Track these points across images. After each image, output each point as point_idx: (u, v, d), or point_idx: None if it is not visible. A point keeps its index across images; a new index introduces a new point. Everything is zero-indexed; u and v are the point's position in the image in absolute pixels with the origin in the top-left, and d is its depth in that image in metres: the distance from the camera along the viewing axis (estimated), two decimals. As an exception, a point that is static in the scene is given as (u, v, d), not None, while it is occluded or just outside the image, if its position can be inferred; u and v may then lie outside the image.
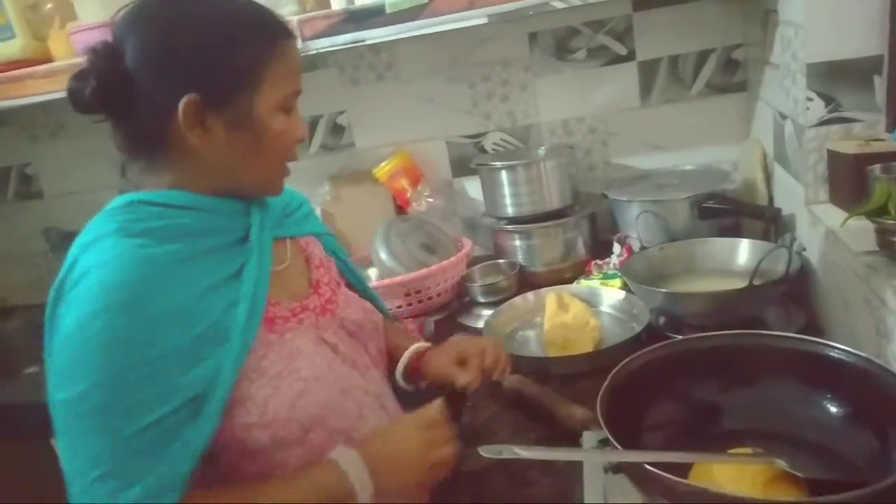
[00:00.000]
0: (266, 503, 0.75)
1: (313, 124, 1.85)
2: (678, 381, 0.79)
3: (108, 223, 0.77)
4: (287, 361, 0.81)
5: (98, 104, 0.78)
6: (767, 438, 0.72)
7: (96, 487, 0.69)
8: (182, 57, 0.77)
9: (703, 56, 1.66)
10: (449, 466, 0.86)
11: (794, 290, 1.26)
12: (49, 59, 1.62)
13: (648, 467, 0.61)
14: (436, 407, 0.86)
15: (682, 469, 0.70)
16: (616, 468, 0.66)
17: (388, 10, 1.39)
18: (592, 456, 0.72)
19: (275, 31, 0.81)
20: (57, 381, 0.72)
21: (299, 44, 1.44)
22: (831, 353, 0.74)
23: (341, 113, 1.84)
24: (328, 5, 1.48)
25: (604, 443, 0.70)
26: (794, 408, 0.75)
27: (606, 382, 0.75)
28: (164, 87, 0.77)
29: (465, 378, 0.98)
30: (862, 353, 0.72)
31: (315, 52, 1.45)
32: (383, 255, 1.51)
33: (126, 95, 0.77)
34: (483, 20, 1.36)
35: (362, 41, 1.43)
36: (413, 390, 1.07)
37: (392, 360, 1.06)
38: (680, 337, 0.83)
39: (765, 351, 0.78)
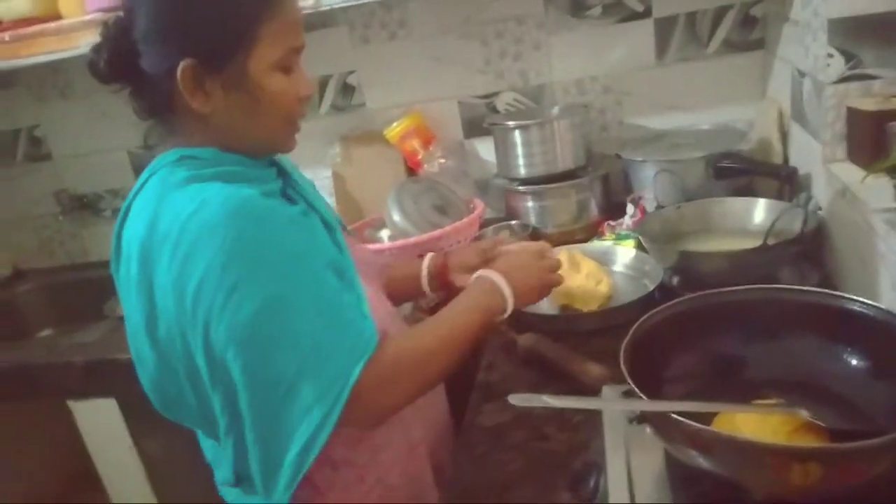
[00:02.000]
0: (451, 326, 0.89)
1: (323, 84, 1.83)
2: (699, 335, 0.79)
3: (174, 174, 0.80)
4: None
5: (113, 75, 0.82)
6: (789, 390, 0.73)
7: (305, 367, 0.75)
8: (178, 23, 0.79)
9: (720, 12, 1.63)
10: (555, 284, 1.08)
11: (809, 249, 1.25)
12: (59, 17, 1.60)
13: (674, 416, 0.62)
14: (542, 243, 1.09)
15: (705, 420, 0.71)
16: (640, 418, 0.67)
17: (402, -35, 1.36)
18: (619, 405, 0.74)
19: None
20: (228, 307, 0.73)
21: (310, 1, 1.43)
22: (852, 307, 0.74)
23: (352, 72, 1.82)
24: (339, -39, 1.46)
25: (627, 394, 0.70)
26: (814, 361, 0.76)
27: (629, 335, 0.75)
28: (165, 55, 0.79)
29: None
30: (883, 306, 0.72)
31: (328, 7, 1.43)
32: (396, 217, 1.51)
33: (136, 66, 0.80)
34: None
35: (376, -4, 1.41)
36: (441, 298, 1.19)
37: (397, 280, 1.17)
38: (697, 293, 0.84)
39: (785, 305, 0.78)
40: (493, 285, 0.96)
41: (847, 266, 1.16)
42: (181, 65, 0.77)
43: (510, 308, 0.97)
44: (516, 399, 0.66)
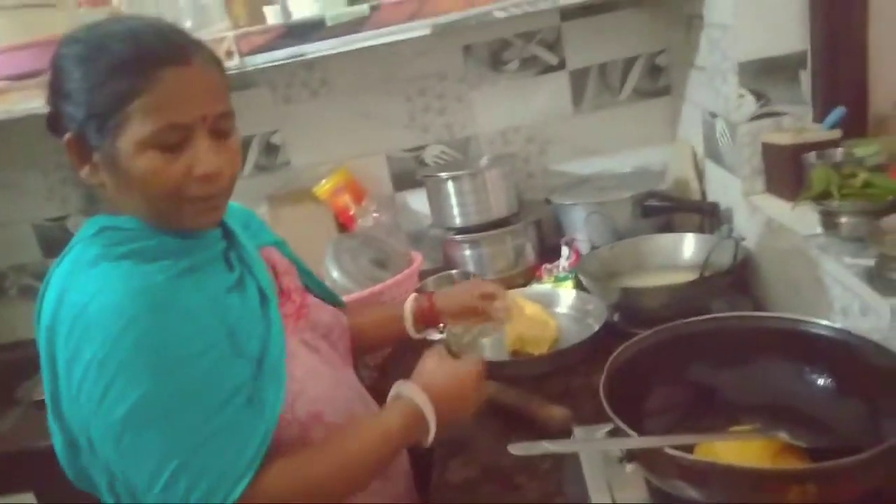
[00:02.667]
0: (355, 448, 0.80)
1: (246, 144, 1.78)
2: (670, 366, 0.81)
3: (88, 250, 0.77)
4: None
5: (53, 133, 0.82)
6: (762, 414, 0.75)
7: (170, 488, 0.69)
8: (64, 94, 0.77)
9: (629, 63, 1.73)
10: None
11: (739, 279, 1.32)
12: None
13: (668, 450, 0.62)
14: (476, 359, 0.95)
15: (686, 451, 0.71)
16: (630, 457, 0.67)
17: (328, 23, 1.37)
18: (614, 444, 0.72)
19: (147, 62, 0.74)
20: (103, 406, 0.70)
21: (233, 61, 1.41)
22: (813, 329, 0.78)
23: (275, 132, 1.79)
24: (262, 21, 1.45)
25: (612, 433, 0.70)
26: (783, 383, 0.78)
27: (605, 374, 0.75)
28: (60, 125, 0.79)
29: (501, 302, 1.10)
30: (840, 327, 0.76)
31: (253, 67, 1.40)
32: (335, 274, 1.47)
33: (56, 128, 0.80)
34: (426, 31, 1.36)
35: (302, 55, 1.40)
36: (423, 339, 1.16)
37: (370, 329, 1.13)
38: (640, 332, 0.85)
39: (751, 331, 0.81)
40: (417, 413, 0.84)
41: (776, 293, 1.22)
42: (66, 137, 0.78)
43: (430, 439, 0.86)
44: (517, 449, 0.64)
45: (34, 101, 1.37)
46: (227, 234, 0.90)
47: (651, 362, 0.80)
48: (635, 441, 0.65)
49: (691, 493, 0.65)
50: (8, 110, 1.38)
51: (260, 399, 0.77)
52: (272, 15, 1.42)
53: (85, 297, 0.72)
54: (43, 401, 1.53)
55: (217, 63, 0.81)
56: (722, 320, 0.83)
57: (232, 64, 1.38)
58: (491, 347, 1.34)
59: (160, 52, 0.74)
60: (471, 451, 1.06)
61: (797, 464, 0.67)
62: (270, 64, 1.39)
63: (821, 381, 0.77)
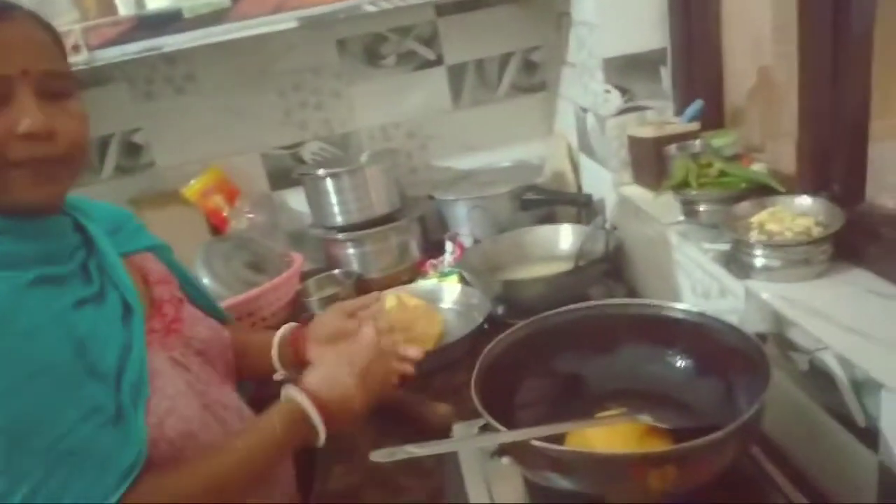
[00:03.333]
0: (237, 456, 0.76)
1: (104, 145, 1.65)
2: (540, 358, 0.81)
3: None
4: (150, 382, 0.77)
5: None
6: (629, 398, 0.77)
7: None
8: None
9: (505, 59, 1.75)
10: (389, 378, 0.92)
11: (612, 267, 1.37)
12: None
13: (535, 443, 0.62)
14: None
15: (559, 440, 0.71)
16: (501, 451, 0.66)
17: (186, 15, 1.28)
18: (481, 441, 0.71)
19: None
20: None
21: (81, 55, 1.29)
22: (670, 314, 0.81)
23: (136, 130, 1.66)
24: (115, 12, 1.34)
25: (483, 429, 0.69)
26: (646, 367, 0.81)
27: (476, 371, 0.75)
28: None
29: (370, 310, 1.02)
30: (696, 310, 0.79)
31: (104, 62, 1.30)
32: (206, 280, 1.39)
33: None
34: (292, 24, 1.31)
35: (158, 49, 1.31)
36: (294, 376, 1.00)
37: (250, 355, 1.03)
38: (522, 321, 0.86)
39: (613, 319, 0.83)
40: (302, 416, 0.81)
41: (647, 277, 1.27)
42: None
43: (321, 439, 0.82)
44: (379, 455, 0.62)
45: None
46: (87, 242, 0.83)
47: (521, 355, 0.80)
48: (503, 436, 0.65)
49: (562, 482, 0.65)
50: None
51: (125, 421, 0.71)
52: (124, 6, 1.31)
53: None
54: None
55: (46, 26, 0.75)
56: (587, 309, 0.84)
57: (80, 59, 1.27)
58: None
59: None
60: (354, 455, 1.03)
61: (662, 445, 0.69)
62: (123, 59, 1.29)
63: (681, 363, 0.80)
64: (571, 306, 0.84)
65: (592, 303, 0.85)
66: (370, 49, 1.69)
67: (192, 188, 1.63)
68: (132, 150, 1.68)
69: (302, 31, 1.40)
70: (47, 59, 0.73)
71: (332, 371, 0.85)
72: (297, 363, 1.01)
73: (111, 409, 0.70)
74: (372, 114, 1.74)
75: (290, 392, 0.82)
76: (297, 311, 1.46)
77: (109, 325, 0.77)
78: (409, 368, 0.97)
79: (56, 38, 0.77)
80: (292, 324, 1.05)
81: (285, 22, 1.30)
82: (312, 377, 0.84)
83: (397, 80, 1.72)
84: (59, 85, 0.74)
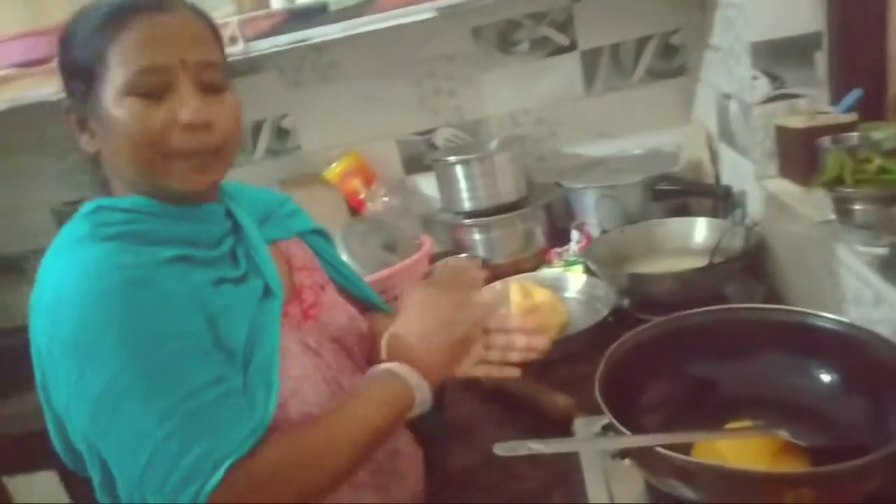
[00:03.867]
0: (347, 422, 0.76)
1: (257, 129, 1.78)
2: (670, 359, 0.79)
3: (77, 228, 0.75)
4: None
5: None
6: (764, 409, 0.74)
7: (148, 473, 0.66)
8: (61, 61, 0.79)
9: (641, 43, 1.69)
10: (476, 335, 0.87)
11: (752, 265, 1.30)
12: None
13: (660, 450, 0.61)
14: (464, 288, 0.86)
15: (685, 448, 0.70)
16: (623, 454, 0.66)
17: (331, 8, 1.35)
18: (604, 443, 0.71)
19: (121, 11, 0.74)
20: (79, 386, 0.68)
21: (238, 46, 1.40)
22: (817, 322, 0.76)
23: (285, 116, 1.78)
24: (267, 5, 1.43)
25: (605, 429, 0.69)
26: (786, 377, 0.77)
27: (601, 368, 0.74)
28: (64, 95, 0.80)
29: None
30: (846, 320, 0.74)
31: (258, 53, 1.40)
32: (345, 258, 1.46)
33: None
34: (430, 14, 1.34)
35: (306, 40, 1.39)
36: None
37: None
38: (650, 318, 0.84)
39: (753, 324, 0.79)
40: (394, 379, 0.80)
41: (790, 279, 1.20)
42: (63, 104, 0.78)
43: (422, 399, 0.80)
44: (502, 449, 0.64)
45: (42, 88, 1.37)
46: (236, 229, 0.86)
47: (651, 354, 0.78)
48: (627, 440, 0.64)
49: (686, 492, 0.64)
50: (16, 98, 1.39)
51: (251, 398, 0.73)
52: (277, 0, 1.40)
53: (62, 277, 0.71)
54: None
55: (203, 16, 0.79)
56: (725, 312, 0.81)
57: (236, 49, 1.37)
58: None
59: (135, 2, 0.74)
60: (473, 438, 1.06)
61: (797, 464, 0.66)
62: (274, 49, 1.38)
63: (825, 377, 0.75)
64: (708, 308, 0.82)
65: (731, 305, 0.82)
66: (504, 36, 1.70)
67: (333, 171, 1.73)
68: (281, 134, 1.80)
69: (439, 21, 1.42)
70: (205, 51, 0.77)
71: (424, 323, 0.83)
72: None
73: (237, 382, 0.73)
74: (502, 101, 1.74)
75: (383, 366, 0.82)
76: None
77: (244, 306, 0.78)
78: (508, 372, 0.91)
79: (215, 31, 0.81)
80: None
81: (424, 12, 1.34)
82: (404, 339, 0.83)
83: (529, 67, 1.72)
84: (216, 76, 0.77)
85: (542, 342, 0.92)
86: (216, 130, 0.76)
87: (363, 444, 0.76)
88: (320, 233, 1.04)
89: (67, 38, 0.77)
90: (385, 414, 0.78)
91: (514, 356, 0.91)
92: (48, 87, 1.39)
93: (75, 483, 1.44)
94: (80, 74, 0.75)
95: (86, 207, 0.78)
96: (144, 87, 0.73)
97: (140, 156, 0.75)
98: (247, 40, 1.37)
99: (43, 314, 0.72)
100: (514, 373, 0.91)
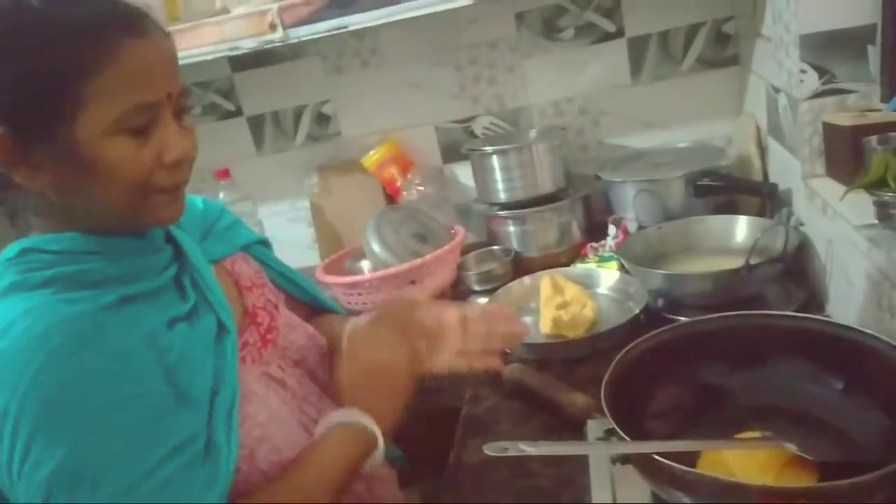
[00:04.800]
0: (308, 481, 0.71)
1: (298, 115, 1.81)
2: (682, 364, 0.77)
3: (2, 278, 0.67)
4: (241, 408, 0.73)
5: None
6: (776, 419, 0.71)
7: None
8: None
9: (692, 30, 1.63)
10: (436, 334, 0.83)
11: (793, 267, 1.24)
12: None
13: (657, 458, 0.60)
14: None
15: (692, 455, 0.68)
16: (624, 459, 0.65)
17: (371, -6, 1.35)
18: (599, 449, 0.71)
19: (102, 32, 0.63)
20: (25, 466, 0.60)
21: (277, 33, 1.42)
22: (836, 332, 0.72)
23: (326, 102, 1.80)
24: (306, -9, 1.45)
25: (609, 433, 0.68)
26: (801, 387, 0.74)
27: (610, 370, 0.73)
28: None
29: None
30: (868, 331, 0.71)
31: (296, 39, 1.41)
32: (376, 247, 1.49)
33: None
34: (470, 0, 1.33)
35: (345, 27, 1.39)
36: None
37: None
38: (682, 319, 0.82)
39: (769, 331, 0.77)
40: (350, 427, 0.74)
41: (832, 284, 1.14)
42: None
43: (380, 440, 0.75)
44: (491, 449, 0.63)
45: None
46: (179, 254, 0.79)
47: (663, 360, 0.76)
48: (624, 446, 0.63)
49: (684, 501, 0.62)
50: None
51: (215, 455, 0.67)
52: (316, -14, 1.41)
53: None
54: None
55: (167, 34, 0.70)
56: (740, 318, 0.78)
57: (276, 36, 1.39)
58: (532, 327, 1.32)
59: (115, 19, 0.64)
60: (491, 434, 1.07)
61: (805, 478, 0.63)
62: (313, 36, 1.39)
63: (841, 387, 0.72)
64: (723, 314, 0.79)
65: (746, 312, 0.79)
66: (548, 22, 1.66)
67: (371, 159, 1.74)
68: (322, 120, 1.82)
69: (481, 6, 1.40)
70: (178, 77, 0.70)
71: (368, 353, 0.80)
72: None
73: (200, 443, 0.67)
74: (545, 89, 1.71)
75: (328, 418, 0.76)
76: (456, 283, 1.51)
77: (203, 348, 0.73)
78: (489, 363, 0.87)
79: (174, 47, 0.72)
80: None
81: (462, -1, 1.32)
82: (350, 374, 0.79)
83: (573, 54, 1.68)
84: (187, 102, 0.72)
85: (523, 329, 0.89)
86: (189, 161, 0.73)
87: (329, 498, 0.71)
88: (263, 242, 0.98)
89: (11, 65, 0.63)
90: (349, 462, 0.73)
91: (497, 344, 0.87)
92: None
93: None
94: (36, 108, 0.63)
95: (7, 252, 0.69)
96: (134, 125, 0.66)
97: (120, 197, 0.68)
98: (286, 27, 1.39)
99: None
100: (497, 363, 0.88)
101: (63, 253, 0.68)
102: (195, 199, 0.88)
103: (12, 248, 0.69)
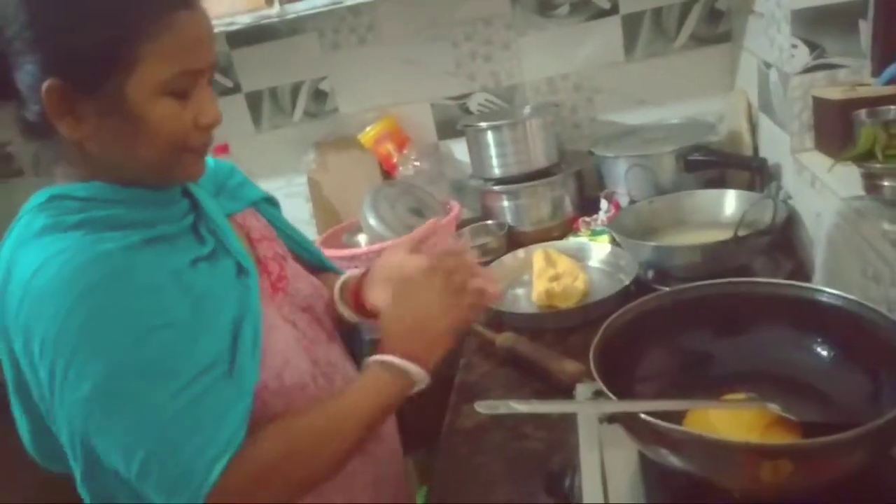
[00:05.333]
0: (342, 412, 0.77)
1: (295, 91, 1.82)
2: (670, 331, 0.79)
3: (34, 221, 0.71)
4: (263, 336, 0.78)
5: None
6: (761, 384, 0.73)
7: (143, 474, 0.66)
8: (44, 35, 0.69)
9: (686, 7, 1.64)
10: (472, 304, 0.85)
11: (781, 239, 1.27)
12: None
13: (643, 416, 0.62)
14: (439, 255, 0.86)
15: (678, 416, 0.71)
16: (611, 418, 0.67)
17: (366, -30, 1.36)
18: (586, 407, 0.73)
19: (153, 5, 0.69)
20: (65, 386, 0.66)
21: (274, 9, 1.42)
22: (820, 298, 0.74)
23: (323, 78, 1.81)
24: (304, -33, 1.45)
25: (598, 394, 0.70)
26: (785, 353, 0.76)
27: (598, 335, 0.75)
28: (31, 70, 0.69)
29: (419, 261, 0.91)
30: (851, 297, 0.73)
31: (294, 15, 1.42)
32: (372, 221, 1.51)
33: (5, 76, 0.71)
34: (465, -24, 1.34)
35: (341, 2, 1.40)
36: (358, 321, 1.01)
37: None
38: (667, 289, 0.84)
39: (754, 298, 0.78)
40: (388, 370, 0.80)
41: (818, 254, 1.17)
42: (45, 84, 0.68)
43: (420, 380, 0.80)
44: (483, 406, 0.66)
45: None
46: (195, 206, 0.85)
47: (651, 326, 0.78)
48: (610, 405, 0.65)
49: (671, 460, 0.65)
50: None
51: (239, 373, 0.73)
52: (312, -39, 1.42)
53: (30, 270, 0.67)
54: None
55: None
56: (726, 286, 0.80)
57: (273, 12, 1.40)
58: (525, 298, 1.35)
59: None
60: (484, 398, 1.09)
61: (788, 437, 0.66)
62: (310, 11, 1.39)
63: (825, 353, 0.74)
64: (709, 282, 0.81)
65: (732, 279, 0.81)
66: (543, -2, 1.67)
67: (367, 135, 1.75)
68: (319, 96, 1.83)
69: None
70: (215, 49, 0.76)
71: (401, 312, 0.83)
72: (357, 310, 0.99)
73: (225, 365, 0.73)
74: (540, 66, 1.73)
75: (373, 358, 0.81)
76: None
77: (225, 283, 0.78)
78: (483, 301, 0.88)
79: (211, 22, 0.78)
80: (358, 270, 1.02)
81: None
82: (390, 322, 0.83)
83: (568, 31, 1.69)
84: (213, 73, 0.77)
85: (495, 290, 0.89)
86: (216, 126, 0.78)
87: (357, 434, 0.77)
88: (270, 200, 1.02)
89: (76, 19, 0.68)
90: (379, 404, 0.79)
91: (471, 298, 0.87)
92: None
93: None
94: (94, 62, 0.69)
95: (36, 199, 0.74)
96: (178, 88, 0.72)
97: (163, 153, 0.73)
98: (282, 3, 1.40)
99: (11, 312, 0.69)
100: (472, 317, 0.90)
101: (90, 200, 0.73)
102: (207, 159, 0.91)
103: (41, 195, 0.74)
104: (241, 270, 0.81)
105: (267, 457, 0.71)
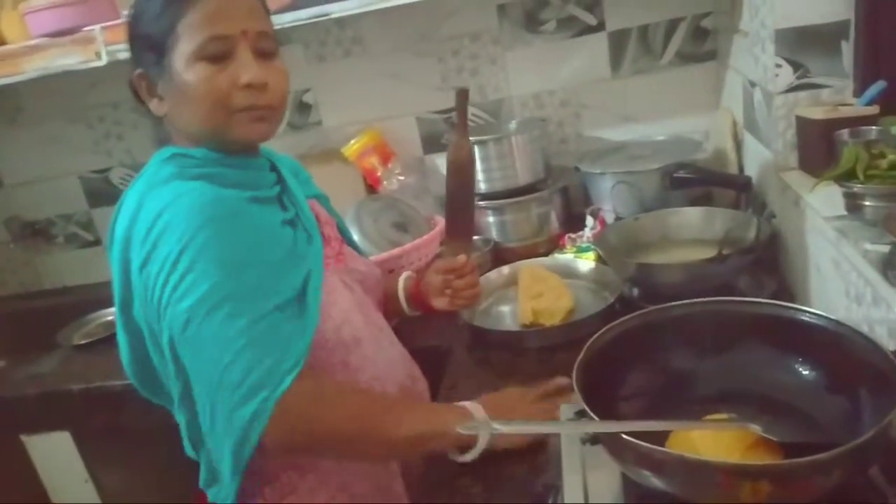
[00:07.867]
0: (397, 414, 0.86)
1: (280, 103, 1.80)
2: (653, 350, 0.78)
3: (162, 170, 0.87)
4: (328, 294, 0.92)
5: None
6: (743, 404, 0.73)
7: (231, 370, 0.77)
8: (131, 35, 0.90)
9: (672, 25, 1.65)
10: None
11: (766, 257, 1.27)
12: (2, 42, 1.55)
13: (625, 437, 0.61)
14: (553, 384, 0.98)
15: (660, 437, 0.70)
16: (593, 439, 0.66)
17: (352, -17, 1.35)
18: (568, 428, 0.72)
19: None
20: (174, 297, 0.79)
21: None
22: (802, 317, 0.74)
23: (307, 91, 1.80)
24: (290, -22, 1.44)
25: (580, 414, 0.69)
26: (767, 372, 0.75)
27: (582, 354, 0.74)
28: (133, 64, 0.91)
29: (461, 281, 1.12)
30: (832, 317, 0.72)
31: (279, 26, 1.40)
32: (355, 236, 1.48)
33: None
34: (452, -9, 1.33)
35: (327, 14, 1.40)
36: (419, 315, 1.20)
37: (387, 299, 1.19)
38: (651, 307, 0.83)
39: (736, 317, 0.78)
40: (461, 409, 0.88)
41: (803, 273, 1.17)
42: (133, 75, 0.90)
43: (480, 446, 0.85)
44: (465, 429, 0.65)
45: (71, 57, 1.42)
46: (280, 180, 0.98)
47: (633, 345, 0.77)
48: (593, 425, 0.64)
49: (652, 480, 0.64)
50: (46, 66, 1.44)
51: (306, 314, 0.86)
52: (298, -27, 1.41)
53: (161, 205, 0.81)
54: (83, 345, 1.62)
55: None
56: (708, 304, 0.79)
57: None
58: (510, 316, 1.34)
59: None
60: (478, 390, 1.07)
61: (769, 458, 0.65)
62: (295, 23, 1.39)
63: (807, 373, 0.74)
64: (692, 301, 0.80)
65: (716, 299, 0.80)
66: (530, 14, 1.68)
67: (351, 148, 1.74)
68: (303, 109, 1.82)
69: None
70: (260, 22, 0.88)
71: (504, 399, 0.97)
72: (421, 308, 1.17)
73: (297, 307, 0.86)
74: (526, 81, 1.73)
75: (469, 404, 0.88)
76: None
77: (300, 246, 0.92)
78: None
79: (265, 4, 0.92)
80: (408, 273, 1.21)
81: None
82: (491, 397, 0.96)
83: (555, 47, 1.69)
84: (268, 44, 0.88)
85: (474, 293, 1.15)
86: (270, 90, 0.87)
87: (402, 434, 0.84)
88: (327, 198, 1.16)
89: (137, 16, 0.88)
90: (433, 429, 0.86)
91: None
92: (77, 56, 1.43)
93: (88, 444, 1.51)
94: (153, 47, 0.86)
95: (161, 154, 0.90)
96: (211, 53, 0.83)
97: (208, 112, 0.85)
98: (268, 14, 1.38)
99: (138, 239, 0.82)
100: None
101: (201, 159, 0.88)
102: (283, 155, 1.07)
103: (165, 152, 0.90)
104: (310, 238, 0.95)
105: (332, 385, 0.87)
